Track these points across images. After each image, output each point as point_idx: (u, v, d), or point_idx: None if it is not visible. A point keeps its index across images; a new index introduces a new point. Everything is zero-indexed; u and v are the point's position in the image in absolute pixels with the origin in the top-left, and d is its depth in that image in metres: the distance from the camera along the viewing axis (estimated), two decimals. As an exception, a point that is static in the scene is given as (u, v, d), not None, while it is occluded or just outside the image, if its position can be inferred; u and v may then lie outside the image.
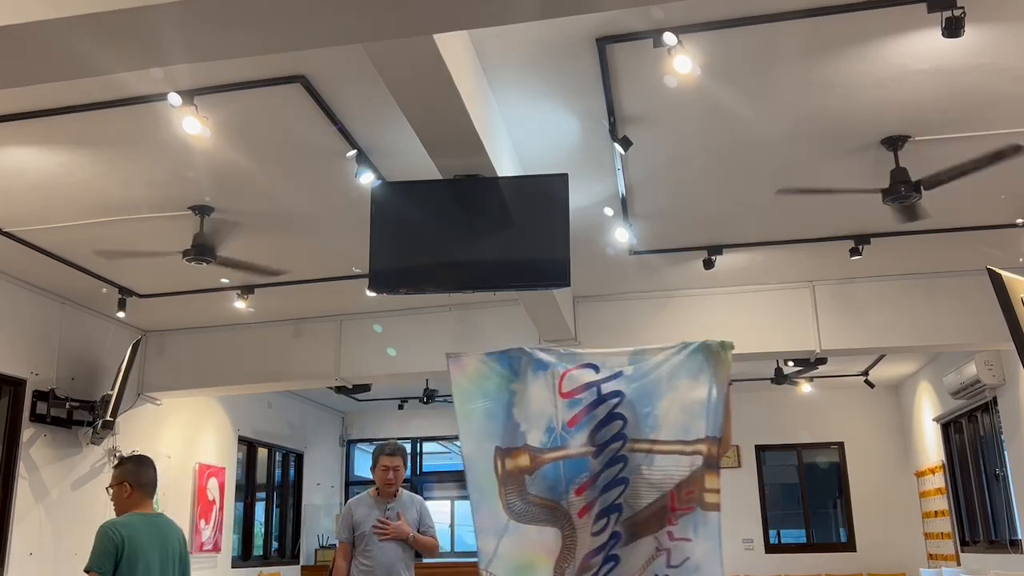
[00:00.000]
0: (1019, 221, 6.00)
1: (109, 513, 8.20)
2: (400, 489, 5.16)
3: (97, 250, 6.08)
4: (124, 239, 6.02)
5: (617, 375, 2.82)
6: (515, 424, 2.82)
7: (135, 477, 4.08)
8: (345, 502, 12.79)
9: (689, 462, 2.66)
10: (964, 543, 9.17)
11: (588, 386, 2.80)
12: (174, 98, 4.17)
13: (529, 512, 2.77)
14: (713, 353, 2.80)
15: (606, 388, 2.79)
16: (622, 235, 6.06)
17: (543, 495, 2.76)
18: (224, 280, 6.94)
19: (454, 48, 3.59)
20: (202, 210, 5.59)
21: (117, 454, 7.89)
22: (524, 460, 2.77)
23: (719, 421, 2.67)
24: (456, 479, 14.18)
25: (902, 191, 4.89)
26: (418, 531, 5.07)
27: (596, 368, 2.85)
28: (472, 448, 2.85)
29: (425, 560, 5.27)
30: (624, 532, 2.67)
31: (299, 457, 11.76)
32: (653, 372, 2.82)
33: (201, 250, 5.63)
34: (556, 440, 2.78)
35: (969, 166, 4.74)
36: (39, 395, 7.01)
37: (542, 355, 2.91)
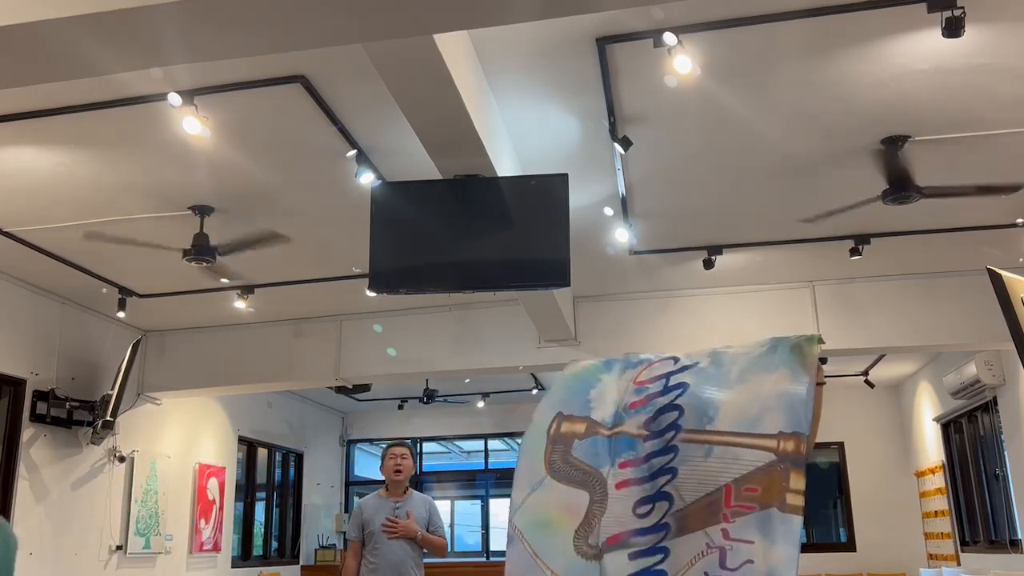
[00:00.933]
0: (1019, 221, 6.00)
1: (109, 513, 8.22)
2: (410, 489, 5.24)
3: (87, 232, 5.91)
4: (124, 239, 6.01)
5: (690, 367, 2.80)
6: (587, 401, 2.88)
7: None
8: (345, 502, 12.85)
9: (754, 456, 2.57)
10: (964, 543, 9.17)
11: (660, 377, 2.80)
12: (174, 98, 4.17)
13: (566, 472, 2.79)
14: (796, 347, 2.72)
15: (674, 380, 2.77)
16: (622, 235, 6.06)
17: (586, 460, 2.78)
18: (224, 280, 6.94)
19: (454, 48, 3.59)
20: (202, 210, 5.58)
21: (118, 454, 7.91)
22: (580, 427, 2.83)
23: (807, 417, 2.58)
24: (456, 479, 14.20)
25: (902, 191, 4.89)
26: (427, 530, 5.11)
27: (676, 360, 2.84)
28: (539, 415, 2.93)
29: (426, 560, 5.30)
30: (674, 524, 2.61)
31: (299, 457, 11.76)
32: (727, 365, 2.76)
33: (201, 250, 5.63)
34: (616, 419, 2.80)
35: (961, 190, 4.81)
36: (39, 395, 7.01)
37: (644, 355, 2.95)
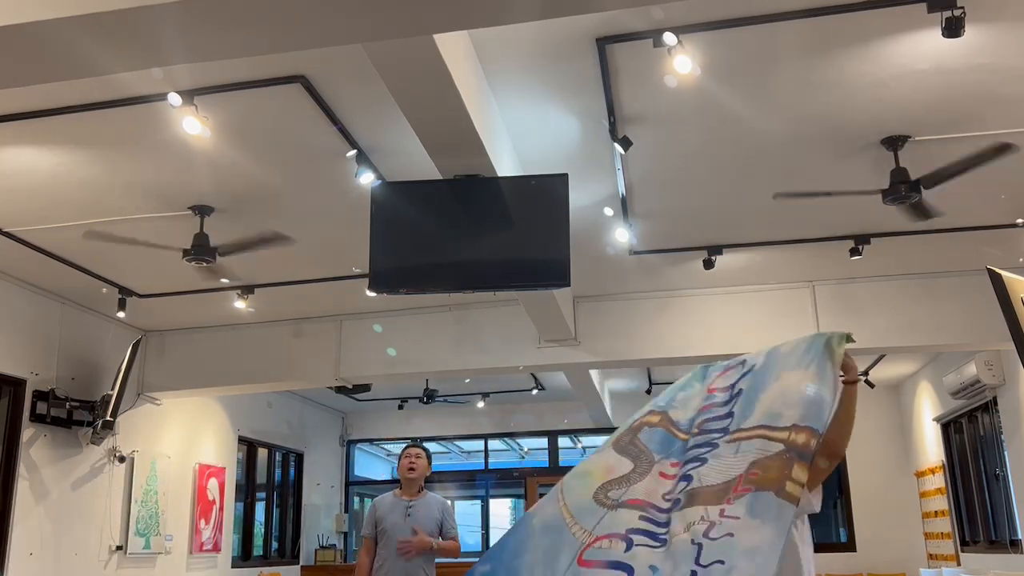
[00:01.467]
0: (1019, 221, 6.00)
1: (109, 513, 8.24)
2: (425, 490, 5.33)
3: (87, 231, 5.94)
4: (125, 239, 6.01)
5: (748, 372, 2.89)
6: (672, 400, 3.06)
7: None
8: (345, 502, 12.85)
9: (766, 446, 2.63)
10: (964, 543, 9.17)
11: (728, 388, 2.90)
12: (174, 98, 4.17)
13: (625, 446, 2.99)
14: (827, 343, 2.77)
15: (737, 387, 2.88)
16: (622, 235, 6.06)
17: (647, 444, 2.95)
18: (224, 280, 6.94)
19: (454, 48, 3.59)
20: (202, 210, 5.59)
21: (117, 454, 7.91)
22: (655, 419, 3.02)
23: (822, 414, 2.60)
24: (456, 479, 14.20)
25: (902, 191, 4.89)
26: (440, 532, 5.19)
27: (743, 363, 2.95)
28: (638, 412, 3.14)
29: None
30: (684, 499, 2.69)
31: (299, 457, 11.76)
32: (772, 367, 2.84)
33: (201, 250, 5.63)
34: (689, 423, 2.93)
35: (966, 164, 4.75)
36: (39, 395, 7.01)
37: (726, 362, 3.07)
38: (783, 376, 2.76)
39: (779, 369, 2.79)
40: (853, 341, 2.77)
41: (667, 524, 2.68)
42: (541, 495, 14.14)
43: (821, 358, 2.71)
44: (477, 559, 3.05)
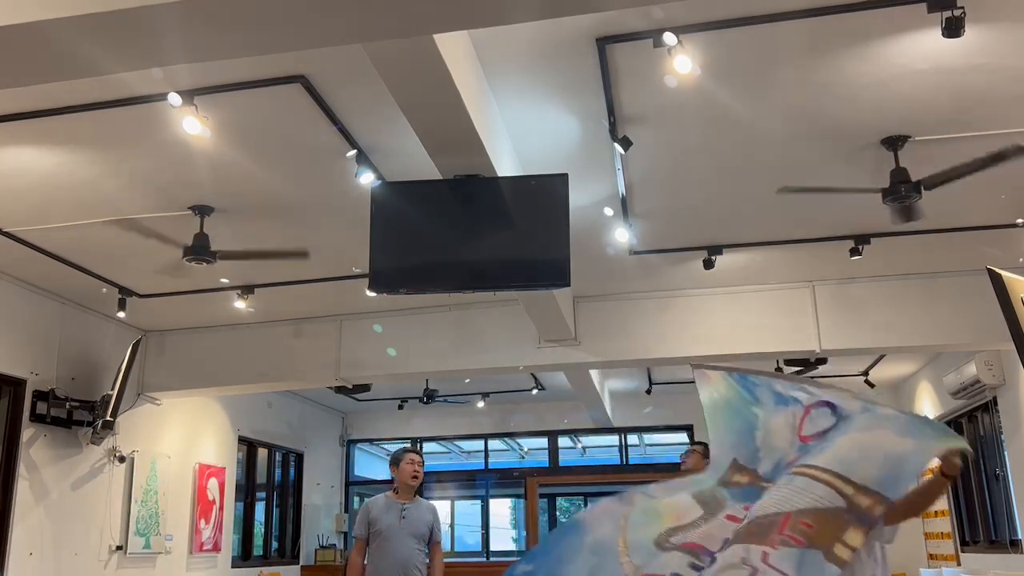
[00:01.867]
0: (1019, 221, 6.00)
1: (109, 513, 8.24)
2: (417, 495, 5.35)
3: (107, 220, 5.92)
4: (124, 239, 6.02)
5: (840, 419, 2.82)
6: (756, 448, 2.96)
7: None
8: (345, 502, 12.85)
9: (824, 493, 2.53)
10: (964, 543, 9.17)
11: (821, 433, 2.82)
12: (174, 98, 4.17)
13: (707, 501, 2.94)
14: (940, 432, 2.71)
15: (825, 435, 2.81)
16: (622, 235, 6.06)
17: (729, 498, 2.90)
18: (224, 280, 6.94)
19: (454, 48, 3.59)
20: (202, 210, 5.59)
21: (117, 454, 7.91)
22: (745, 479, 2.94)
23: (898, 486, 2.52)
24: (456, 479, 14.21)
25: (902, 191, 4.89)
26: (429, 536, 5.23)
27: (834, 409, 2.85)
28: (716, 452, 3.06)
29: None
30: (732, 537, 2.67)
31: (299, 457, 11.76)
32: (866, 418, 2.76)
33: (201, 250, 5.63)
34: (775, 474, 2.86)
35: (969, 168, 4.73)
36: (39, 395, 7.01)
37: (779, 387, 2.99)
38: (875, 431, 2.68)
39: (874, 424, 2.72)
40: (967, 459, 2.71)
41: (713, 562, 2.65)
42: (541, 495, 13.93)
43: (927, 439, 2.64)
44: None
